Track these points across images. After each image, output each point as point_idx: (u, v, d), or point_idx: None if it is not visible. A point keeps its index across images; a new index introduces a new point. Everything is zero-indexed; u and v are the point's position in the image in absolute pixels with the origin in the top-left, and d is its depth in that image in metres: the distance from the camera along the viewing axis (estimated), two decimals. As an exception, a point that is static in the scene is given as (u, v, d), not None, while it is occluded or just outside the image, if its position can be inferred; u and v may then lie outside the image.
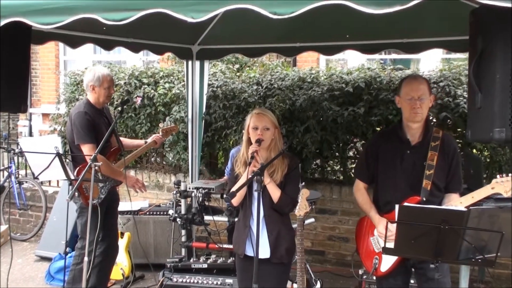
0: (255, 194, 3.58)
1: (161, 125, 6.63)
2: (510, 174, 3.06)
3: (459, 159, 3.56)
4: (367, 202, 3.71)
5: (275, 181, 3.63)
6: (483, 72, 2.59)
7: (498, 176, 3.14)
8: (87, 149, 4.64)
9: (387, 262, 3.55)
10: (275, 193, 3.60)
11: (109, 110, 5.32)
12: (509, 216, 2.83)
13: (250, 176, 3.47)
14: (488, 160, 5.97)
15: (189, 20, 2.60)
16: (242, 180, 3.63)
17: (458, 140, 5.66)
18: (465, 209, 2.83)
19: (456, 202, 3.33)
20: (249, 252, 3.68)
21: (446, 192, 3.55)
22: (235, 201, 3.70)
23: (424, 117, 3.48)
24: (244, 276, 3.78)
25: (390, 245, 3.12)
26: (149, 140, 5.42)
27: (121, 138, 5.48)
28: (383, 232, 3.11)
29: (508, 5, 2.17)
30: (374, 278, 3.93)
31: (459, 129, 5.82)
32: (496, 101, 2.49)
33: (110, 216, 5.12)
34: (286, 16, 2.41)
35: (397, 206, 2.98)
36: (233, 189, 3.50)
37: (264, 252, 3.62)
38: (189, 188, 5.39)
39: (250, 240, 3.69)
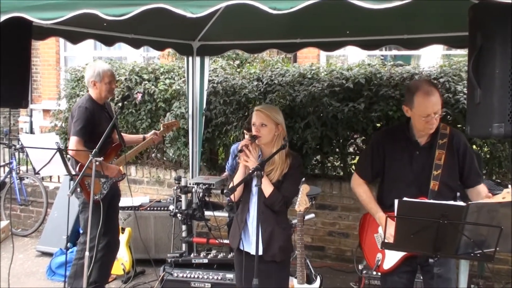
0: (253, 189, 3.60)
1: (162, 121, 6.63)
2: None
3: (472, 153, 3.49)
4: (372, 201, 3.60)
5: (272, 178, 3.60)
6: (482, 68, 2.59)
7: (509, 186, 3.10)
8: (73, 142, 4.67)
9: (391, 260, 3.51)
10: (266, 189, 3.55)
11: (111, 105, 5.33)
12: (508, 211, 2.83)
13: (243, 170, 3.49)
14: (488, 156, 5.98)
15: (189, 15, 2.61)
16: (239, 174, 3.65)
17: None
18: (464, 204, 2.82)
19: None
20: (242, 246, 3.70)
21: (467, 187, 3.49)
22: (234, 196, 3.69)
23: (437, 125, 3.38)
24: (239, 271, 3.79)
25: (390, 240, 3.13)
26: (148, 135, 5.43)
27: (122, 134, 5.51)
28: (392, 233, 3.08)
29: (508, 0, 2.17)
30: (376, 273, 3.91)
31: (459, 125, 5.82)
32: (495, 96, 2.49)
33: (112, 212, 5.15)
34: (285, 11, 2.42)
35: (396, 201, 2.96)
36: (233, 184, 3.51)
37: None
38: (190, 184, 5.40)
39: (244, 234, 3.71)
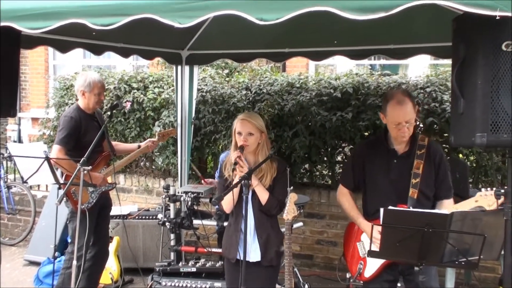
0: (244, 198, 3.62)
1: (157, 129, 6.62)
2: (494, 189, 3.07)
3: (446, 166, 3.59)
4: (354, 209, 3.71)
5: (264, 185, 3.67)
6: (465, 79, 2.64)
7: (483, 189, 3.19)
8: (55, 150, 4.66)
9: (372, 267, 3.57)
10: (262, 196, 3.64)
11: (101, 114, 5.31)
12: (491, 220, 2.87)
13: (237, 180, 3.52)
14: (474, 164, 6.03)
15: (176, 25, 2.64)
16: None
17: (444, 145, 5.72)
18: (449, 212, 2.87)
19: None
20: (239, 256, 3.71)
21: (436, 199, 3.58)
22: (226, 208, 3.75)
23: (410, 134, 3.47)
24: (233, 279, 3.80)
25: (376, 248, 3.16)
26: (143, 144, 5.43)
27: (115, 143, 5.51)
28: (378, 237, 3.14)
29: (490, 13, 2.22)
30: (361, 282, 3.95)
31: (445, 134, 5.88)
32: (478, 107, 2.53)
33: (102, 221, 5.13)
34: (272, 22, 2.47)
35: (382, 210, 3.01)
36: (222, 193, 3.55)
37: (255, 255, 3.67)
38: (178, 193, 5.40)
39: (240, 244, 3.72)
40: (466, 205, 3.23)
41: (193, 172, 6.80)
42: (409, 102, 3.42)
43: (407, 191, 3.47)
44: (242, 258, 3.60)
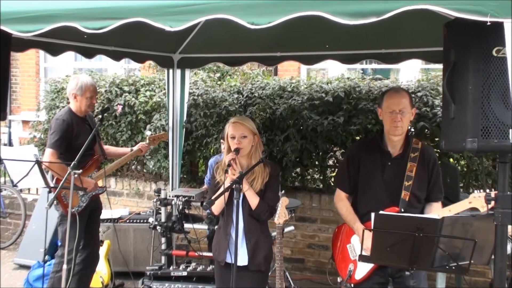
0: (235, 202, 3.62)
1: (148, 133, 6.62)
2: (488, 190, 3.10)
3: (439, 169, 3.62)
4: (351, 213, 3.69)
5: (255, 189, 3.67)
6: (456, 84, 2.65)
7: (475, 191, 3.22)
8: (47, 154, 4.65)
9: (362, 270, 3.58)
10: (253, 200, 3.64)
11: (93, 117, 5.30)
12: (482, 225, 2.89)
13: (229, 184, 3.51)
14: (465, 169, 6.06)
15: (167, 29, 2.65)
16: (222, 188, 3.66)
17: (435, 150, 5.73)
18: (439, 217, 2.88)
19: (436, 213, 3.38)
20: (230, 259, 3.71)
21: (427, 201, 3.61)
22: (215, 210, 3.73)
23: (404, 130, 3.51)
24: (222, 282, 3.81)
25: (366, 252, 3.17)
26: (135, 148, 5.42)
27: (107, 146, 5.50)
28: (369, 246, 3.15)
29: (481, 18, 2.24)
30: (351, 285, 3.96)
31: (436, 139, 5.90)
32: (468, 112, 2.55)
33: (92, 224, 5.11)
34: (263, 26, 2.48)
35: (373, 214, 3.02)
36: (213, 197, 3.54)
37: (243, 259, 3.66)
38: (169, 196, 5.39)
39: (230, 247, 3.72)
40: (460, 207, 3.25)
41: (185, 176, 6.78)
42: (405, 94, 3.51)
43: (399, 193, 3.49)
44: (231, 262, 3.63)
